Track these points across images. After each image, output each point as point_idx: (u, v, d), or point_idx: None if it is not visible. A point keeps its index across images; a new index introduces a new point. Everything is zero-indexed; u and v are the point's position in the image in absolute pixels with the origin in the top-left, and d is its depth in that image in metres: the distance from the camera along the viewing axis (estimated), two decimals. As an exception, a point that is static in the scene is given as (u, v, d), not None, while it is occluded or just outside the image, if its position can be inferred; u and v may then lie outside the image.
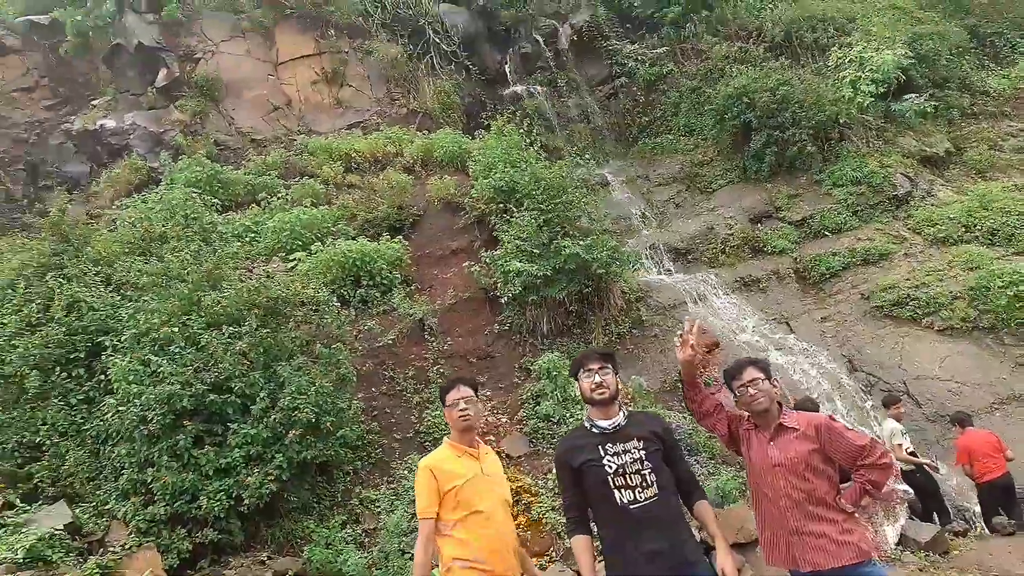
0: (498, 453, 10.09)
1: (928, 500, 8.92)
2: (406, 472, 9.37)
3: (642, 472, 3.64)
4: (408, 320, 11.70)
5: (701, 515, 3.82)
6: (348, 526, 8.45)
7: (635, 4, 20.36)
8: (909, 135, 17.25)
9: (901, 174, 16.13)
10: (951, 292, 12.67)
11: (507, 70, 20.70)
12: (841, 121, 16.41)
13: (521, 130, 14.74)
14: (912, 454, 9.09)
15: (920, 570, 6.98)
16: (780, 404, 3.91)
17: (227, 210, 13.97)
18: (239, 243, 11.89)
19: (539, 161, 13.95)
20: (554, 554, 8.39)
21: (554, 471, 4.65)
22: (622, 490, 3.61)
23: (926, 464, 9.06)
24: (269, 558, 7.78)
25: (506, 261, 12.15)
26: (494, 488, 4.05)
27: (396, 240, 13.07)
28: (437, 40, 19.99)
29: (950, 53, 18.41)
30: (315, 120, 18.50)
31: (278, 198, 14.20)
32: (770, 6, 19.51)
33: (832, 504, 3.69)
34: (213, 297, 8.89)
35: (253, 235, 13.10)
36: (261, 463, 7.99)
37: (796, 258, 14.65)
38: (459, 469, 3.98)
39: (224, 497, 7.68)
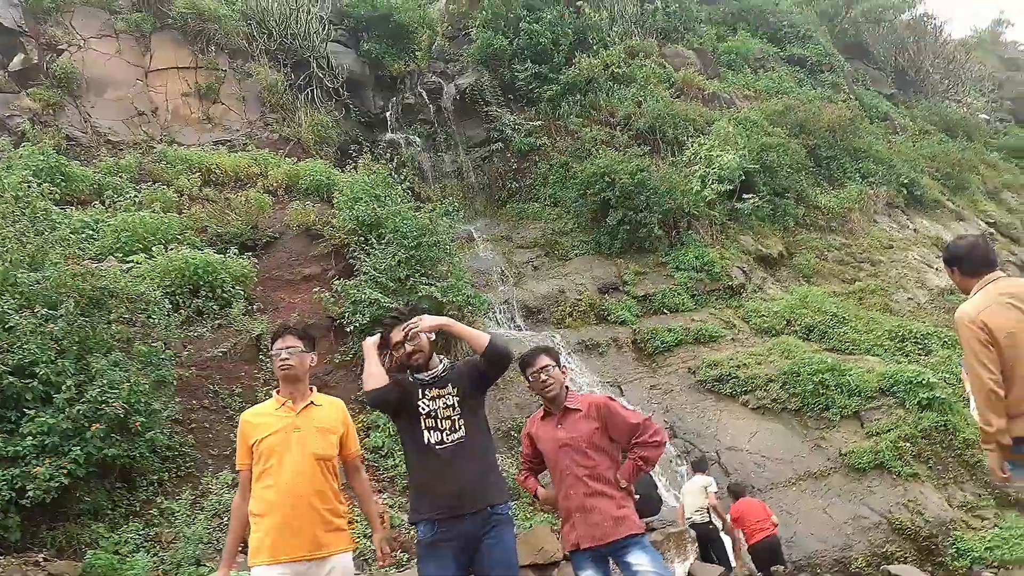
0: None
1: (712, 547, 9.58)
2: (214, 486, 8.93)
3: (452, 419, 3.87)
4: (244, 337, 11.31)
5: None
6: (141, 532, 7.89)
7: (518, 78, 21.35)
8: (749, 234, 18.87)
9: (738, 267, 17.56)
10: (767, 375, 13.74)
11: (388, 116, 21.03)
12: (689, 211, 17.76)
13: (392, 172, 14.92)
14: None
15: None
16: (567, 388, 4.17)
17: (68, 204, 13.16)
18: (74, 236, 11.20)
19: (406, 202, 14.16)
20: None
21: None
22: (430, 432, 3.84)
23: (724, 518, 9.73)
24: (45, 559, 7.10)
25: (359, 290, 12.09)
26: (305, 443, 3.87)
27: (245, 257, 12.71)
28: (321, 75, 20.07)
29: (790, 167, 20.44)
30: (180, 132, 17.88)
31: (126, 199, 13.53)
32: (639, 99, 20.98)
33: (611, 480, 3.93)
34: (31, 277, 8.30)
35: (91, 232, 12.35)
36: (56, 456, 7.38)
37: (635, 330, 15.45)
38: (270, 421, 3.91)
39: (5, 488, 7.00)
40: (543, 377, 4.09)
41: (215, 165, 15.63)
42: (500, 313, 15.51)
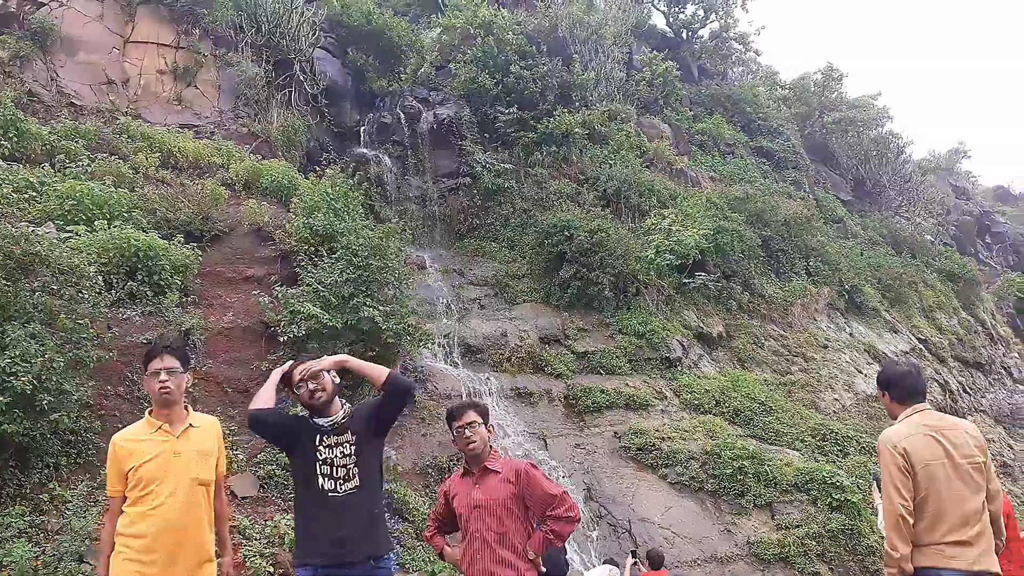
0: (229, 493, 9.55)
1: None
2: (113, 480, 8.53)
3: (347, 467, 3.87)
4: (173, 328, 10.95)
5: None
6: (27, 518, 7.46)
7: (499, 119, 21.55)
8: (693, 310, 19.21)
9: (677, 340, 17.80)
10: (689, 452, 13.88)
11: (362, 131, 20.93)
12: (640, 278, 18.02)
13: (355, 187, 14.81)
14: None
15: None
16: (491, 448, 4.12)
17: (15, 162, 12.67)
18: (15, 195, 10.77)
19: (364, 219, 14.03)
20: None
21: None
22: (324, 478, 3.82)
23: None
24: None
25: (300, 301, 11.86)
26: (183, 467, 3.78)
27: (190, 247, 12.37)
28: (302, 79, 19.93)
29: (743, 253, 20.96)
30: (148, 109, 17.47)
31: (78, 167, 13.09)
32: (610, 162, 21.36)
33: (519, 550, 3.86)
34: (-42, 232, 7.93)
35: (34, 194, 11.88)
36: (-53, 423, 6.98)
37: (570, 385, 15.47)
38: (146, 447, 3.77)
39: None
40: (468, 433, 4.03)
41: (177, 148, 15.29)
42: (439, 347, 15.37)
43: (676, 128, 26.62)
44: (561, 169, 21.64)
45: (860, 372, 20.43)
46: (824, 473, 13.05)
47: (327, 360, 4.04)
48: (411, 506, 10.88)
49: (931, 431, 3.58)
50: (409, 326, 12.74)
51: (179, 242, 12.18)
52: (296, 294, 12.17)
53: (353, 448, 3.91)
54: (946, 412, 20.31)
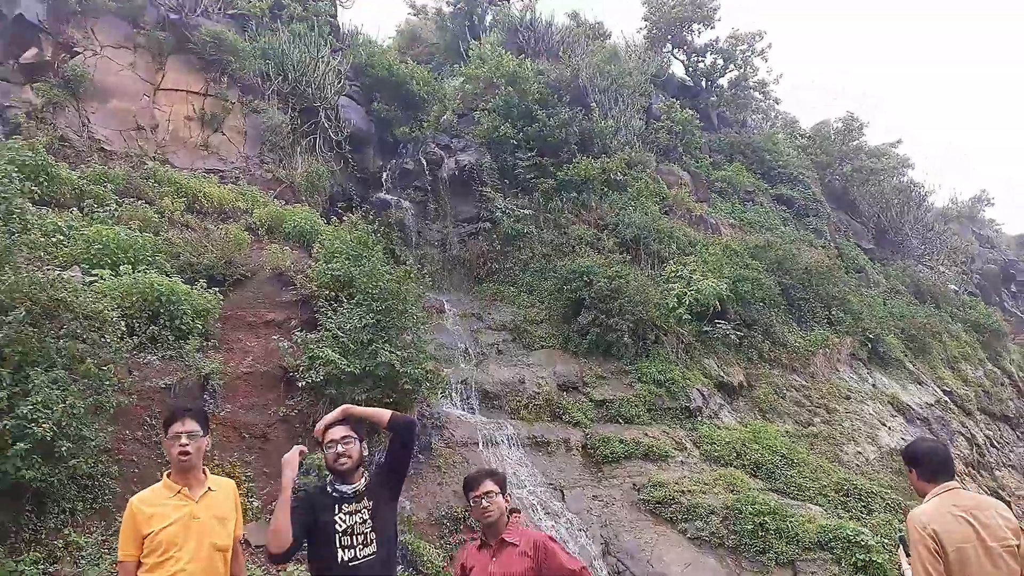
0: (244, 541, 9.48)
1: None
2: (129, 527, 8.50)
3: (366, 533, 3.91)
4: (193, 373, 11.00)
5: None
6: (42, 564, 7.43)
7: (519, 164, 21.77)
8: (713, 359, 19.03)
9: (698, 390, 17.60)
10: (710, 506, 13.58)
11: (384, 177, 21.22)
12: (660, 325, 17.92)
13: (376, 231, 14.94)
14: None
15: None
16: (508, 517, 4.06)
17: (46, 206, 12.96)
18: (44, 239, 10.99)
19: (383, 265, 14.14)
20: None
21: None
22: (344, 549, 3.84)
23: None
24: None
25: (319, 347, 11.90)
26: (204, 532, 3.76)
27: (212, 292, 12.51)
28: (327, 126, 20.30)
29: (763, 301, 20.82)
30: (176, 154, 17.87)
31: (105, 211, 13.35)
32: (630, 208, 21.44)
33: None
34: (-12, 277, 8.06)
35: (62, 238, 12.12)
36: (-31, 467, 7.01)
37: (588, 434, 15.28)
38: (165, 511, 3.75)
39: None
40: (484, 504, 3.99)
41: (202, 193, 15.57)
42: (456, 393, 15.30)
43: (695, 175, 26.73)
44: (580, 215, 21.75)
45: (884, 424, 20.05)
46: (848, 531, 12.70)
47: (333, 413, 4.20)
48: (425, 558, 10.72)
49: (962, 511, 3.47)
50: (427, 372, 12.72)
51: (202, 286, 12.32)
52: (315, 339, 12.21)
53: (370, 513, 3.96)
54: (973, 466, 19.86)
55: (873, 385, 22.12)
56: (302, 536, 3.90)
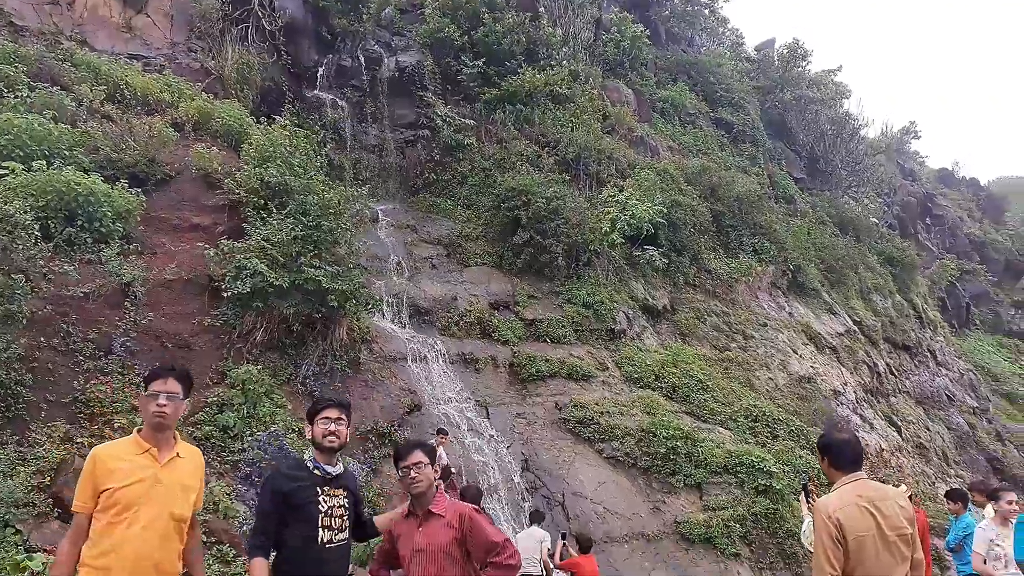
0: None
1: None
2: (43, 438, 8.35)
3: (343, 517, 4.05)
4: (113, 280, 10.60)
5: None
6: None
7: (463, 72, 21.09)
8: (641, 283, 19.44)
9: (623, 312, 18.05)
10: (626, 428, 14.20)
11: (320, 73, 20.25)
12: (593, 248, 18.10)
13: (312, 136, 14.38)
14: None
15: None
16: (436, 488, 4.13)
17: (-54, 89, 11.95)
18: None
19: (319, 173, 13.70)
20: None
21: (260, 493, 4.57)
22: (324, 529, 3.93)
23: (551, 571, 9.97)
24: None
25: (247, 257, 11.59)
26: (164, 499, 3.62)
27: (134, 192, 11.90)
28: (260, 14, 19.08)
29: (694, 227, 21.20)
30: (94, 34, 16.53)
31: (16, 96, 12.37)
32: (572, 125, 21.19)
33: None
34: None
35: (-36, 124, 11.24)
36: None
37: (515, 352, 15.57)
38: (130, 468, 3.58)
39: None
40: (413, 474, 4.03)
41: (124, 81, 14.56)
42: (388, 306, 15.26)
43: (639, 94, 26.50)
44: (523, 130, 21.40)
45: (795, 352, 21.07)
46: (753, 458, 13.53)
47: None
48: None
49: (866, 502, 3.73)
50: (357, 288, 12.58)
51: (123, 186, 11.72)
52: (242, 248, 11.88)
53: (346, 503, 4.10)
54: (872, 393, 21.09)
55: (790, 314, 23.09)
56: (281, 507, 3.91)
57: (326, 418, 4.06)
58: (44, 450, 8.21)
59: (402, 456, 4.09)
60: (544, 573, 9.87)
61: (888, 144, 49.05)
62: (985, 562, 6.38)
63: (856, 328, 25.31)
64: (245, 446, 9.92)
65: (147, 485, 3.58)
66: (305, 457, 4.12)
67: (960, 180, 60.44)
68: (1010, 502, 6.52)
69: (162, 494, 3.62)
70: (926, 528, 8.16)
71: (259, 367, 11.18)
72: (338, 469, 4.12)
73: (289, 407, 11.30)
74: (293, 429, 10.77)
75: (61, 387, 9.41)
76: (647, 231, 18.96)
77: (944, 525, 15.16)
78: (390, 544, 4.21)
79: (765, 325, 21.46)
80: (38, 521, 7.35)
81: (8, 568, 5.90)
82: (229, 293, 11.49)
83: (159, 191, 13.08)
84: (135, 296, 10.93)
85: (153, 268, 11.62)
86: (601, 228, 18.32)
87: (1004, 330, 41.70)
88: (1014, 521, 6.40)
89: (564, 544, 10.23)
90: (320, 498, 3.95)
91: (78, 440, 8.74)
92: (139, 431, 3.76)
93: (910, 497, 6.45)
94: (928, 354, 30.11)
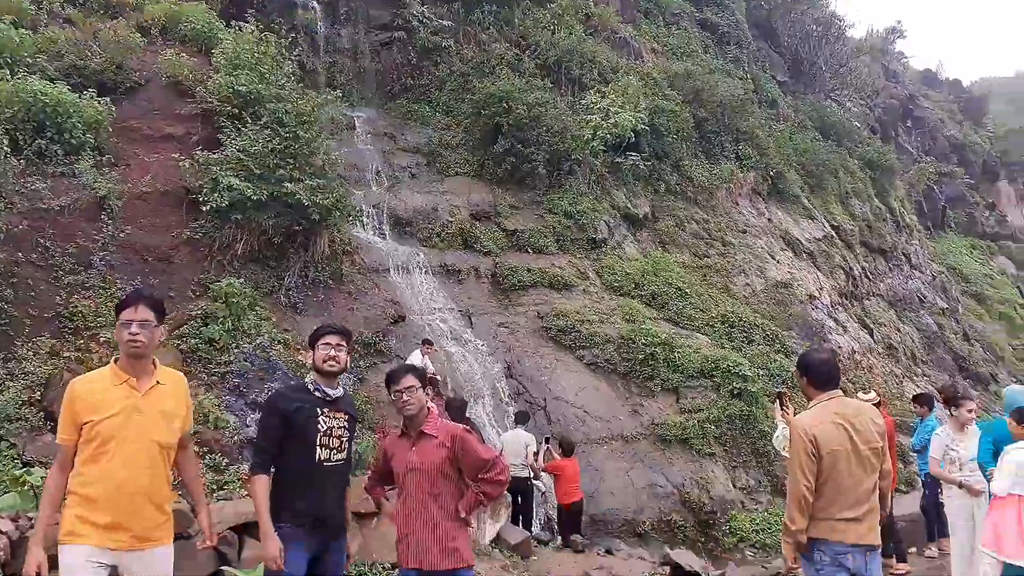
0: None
1: (522, 498, 10.20)
2: (29, 354, 8.40)
3: (342, 438, 4.15)
4: (87, 193, 10.41)
5: None
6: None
7: (438, -32, 20.25)
8: (623, 191, 19.39)
9: (605, 221, 18.08)
10: (606, 335, 14.48)
11: (289, -29, 19.30)
12: (574, 157, 17.93)
13: (280, 42, 13.85)
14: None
15: (503, 568, 7.93)
16: (428, 410, 4.26)
17: None
18: None
19: (289, 81, 13.30)
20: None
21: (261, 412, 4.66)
22: (322, 448, 4.04)
23: (539, 473, 10.36)
24: None
25: (223, 171, 11.39)
26: (145, 428, 3.59)
27: (103, 101, 11.53)
28: (225, -95, 17.97)
29: (676, 134, 20.99)
30: (47, -74, 15.58)
31: (-32, -3, 11.78)
32: (553, 26, 20.58)
33: (451, 512, 4.11)
34: None
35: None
36: None
37: (497, 263, 15.64)
38: (108, 400, 3.55)
39: None
40: (405, 397, 4.15)
41: (84, -18, 13.86)
42: (368, 217, 15.17)
43: (623, -8, 25.65)
44: (502, 31, 20.76)
45: (773, 258, 21.33)
46: (729, 362, 13.93)
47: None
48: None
49: (841, 419, 3.92)
50: (339, 200, 12.46)
51: (91, 95, 11.34)
52: (218, 160, 11.67)
53: (346, 426, 4.18)
54: (846, 296, 21.55)
55: (769, 220, 23.23)
56: (282, 421, 4.01)
57: (327, 343, 4.13)
58: (33, 365, 8.28)
59: (394, 380, 4.20)
60: (532, 475, 10.27)
61: (873, 45, 48.19)
62: (941, 466, 6.76)
63: (834, 233, 25.57)
64: (232, 358, 10.02)
65: (127, 416, 3.56)
66: (307, 380, 4.22)
67: (943, 81, 59.93)
68: (970, 410, 6.84)
69: (143, 424, 3.59)
70: (893, 428, 8.54)
71: (241, 280, 11.18)
72: (338, 392, 4.19)
73: (273, 319, 11.37)
74: (279, 341, 10.88)
75: (43, 302, 9.41)
76: (629, 139, 18.76)
77: (910, 423, 15.85)
78: (384, 462, 4.37)
79: (744, 232, 21.61)
80: (32, 435, 7.50)
81: (8, 482, 6.05)
82: (207, 207, 11.35)
83: (128, 100, 12.67)
84: (111, 209, 10.78)
85: (128, 180, 11.41)
86: (583, 136, 18.09)
87: (978, 232, 42.35)
88: (970, 427, 6.74)
89: (547, 447, 10.60)
90: (320, 419, 4.05)
91: (64, 355, 8.81)
92: (116, 361, 3.71)
93: (877, 404, 6.76)
94: (903, 257, 30.59)
